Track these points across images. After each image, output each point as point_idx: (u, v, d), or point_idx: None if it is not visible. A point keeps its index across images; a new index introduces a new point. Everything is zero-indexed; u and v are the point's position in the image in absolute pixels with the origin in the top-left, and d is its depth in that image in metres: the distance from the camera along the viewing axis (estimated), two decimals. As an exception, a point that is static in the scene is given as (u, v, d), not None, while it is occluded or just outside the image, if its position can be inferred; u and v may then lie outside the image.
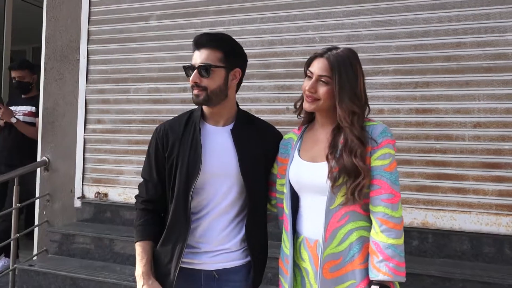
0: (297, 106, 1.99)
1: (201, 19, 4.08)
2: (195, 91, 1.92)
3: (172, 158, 1.96)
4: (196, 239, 1.95)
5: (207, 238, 1.95)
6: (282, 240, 1.96)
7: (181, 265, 1.92)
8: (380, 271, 1.70)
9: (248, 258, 1.99)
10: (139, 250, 1.97)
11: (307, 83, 1.85)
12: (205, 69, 1.89)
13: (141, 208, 2.03)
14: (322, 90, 1.82)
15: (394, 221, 1.74)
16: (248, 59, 3.77)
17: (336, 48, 1.87)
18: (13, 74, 4.77)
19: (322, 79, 1.82)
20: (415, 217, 3.42)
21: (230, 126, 2.00)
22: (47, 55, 4.59)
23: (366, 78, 3.56)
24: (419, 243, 3.38)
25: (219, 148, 1.96)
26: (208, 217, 1.95)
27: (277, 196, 2.04)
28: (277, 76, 3.84)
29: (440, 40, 3.41)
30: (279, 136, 2.11)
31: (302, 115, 2.01)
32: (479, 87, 3.33)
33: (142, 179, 2.08)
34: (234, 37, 4.01)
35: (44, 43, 4.60)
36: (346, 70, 1.80)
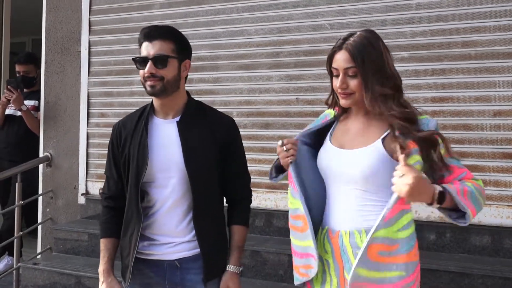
0: (329, 104, 1.91)
1: (205, 6, 3.98)
2: (150, 82, 1.93)
3: (124, 154, 2.03)
4: (155, 231, 2.00)
5: (165, 230, 2.00)
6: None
7: (146, 257, 1.99)
8: (452, 187, 1.60)
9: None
10: (102, 247, 2.06)
11: (335, 81, 1.76)
12: (161, 60, 1.92)
13: (104, 205, 2.12)
14: (353, 83, 1.72)
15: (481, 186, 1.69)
16: (256, 48, 3.80)
17: (352, 34, 1.77)
18: (18, 68, 4.69)
19: (349, 73, 1.72)
20: (432, 210, 3.28)
21: (177, 118, 2.02)
22: (48, 47, 4.52)
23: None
24: (436, 238, 3.29)
25: (165, 142, 1.99)
26: (161, 212, 1.99)
27: None
28: (286, 65, 3.73)
29: (457, 24, 3.29)
30: (233, 126, 2.11)
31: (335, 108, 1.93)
32: (499, 73, 3.21)
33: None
34: (241, 25, 3.91)
35: (44, 34, 4.53)
36: (368, 54, 1.71)
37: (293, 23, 3.70)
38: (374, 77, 1.69)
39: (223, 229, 2.08)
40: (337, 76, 1.75)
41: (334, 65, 1.76)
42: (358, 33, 1.77)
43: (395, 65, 3.39)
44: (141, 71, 1.95)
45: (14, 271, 3.90)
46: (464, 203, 1.58)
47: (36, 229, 4.49)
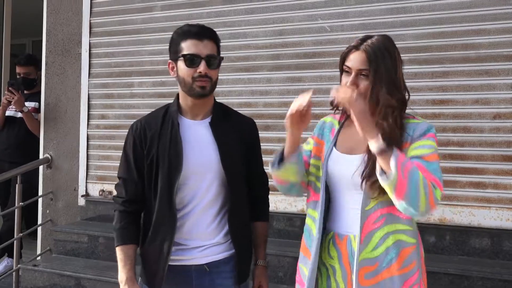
0: (334, 104, 1.85)
1: (207, 9, 3.98)
2: (202, 83, 1.87)
3: (151, 155, 1.93)
4: (183, 235, 1.94)
5: (194, 234, 1.94)
6: (305, 230, 1.88)
7: (172, 263, 1.91)
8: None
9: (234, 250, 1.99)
10: (122, 255, 1.95)
11: (346, 79, 1.73)
12: (214, 60, 1.88)
13: (121, 210, 1.98)
14: (364, 84, 1.69)
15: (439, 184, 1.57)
16: (257, 50, 3.82)
17: (370, 37, 1.74)
18: (19, 69, 4.68)
19: (363, 73, 1.69)
20: (432, 213, 3.30)
21: (208, 119, 1.98)
22: (48, 49, 4.52)
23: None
24: (436, 240, 3.28)
25: (199, 143, 1.95)
26: (193, 213, 1.93)
27: (310, 171, 1.92)
28: (287, 67, 3.74)
29: (457, 27, 3.29)
30: (255, 127, 2.11)
31: (339, 109, 1.88)
32: (499, 76, 3.21)
33: (119, 179, 2.03)
34: (242, 27, 3.91)
35: (44, 36, 4.53)
36: (384, 60, 1.68)
37: (294, 25, 3.70)
38: (383, 84, 1.67)
39: (249, 228, 2.08)
40: (349, 73, 1.72)
41: (348, 63, 1.73)
42: (376, 36, 1.75)
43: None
44: (189, 70, 1.87)
45: (13, 273, 3.89)
46: (397, 167, 1.50)
47: (36, 231, 4.48)
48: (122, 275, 1.93)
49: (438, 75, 3.33)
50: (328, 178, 1.80)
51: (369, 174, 1.64)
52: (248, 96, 3.79)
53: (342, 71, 1.77)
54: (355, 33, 3.47)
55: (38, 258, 4.30)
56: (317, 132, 1.93)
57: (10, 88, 4.34)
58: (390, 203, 1.65)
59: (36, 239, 4.52)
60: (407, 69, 3.34)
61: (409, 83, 3.36)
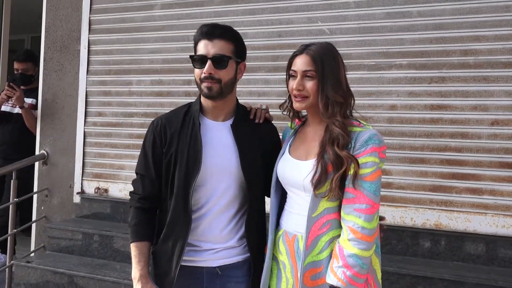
0: (283, 108, 1.99)
1: (206, 8, 3.98)
2: (207, 84, 1.86)
3: (170, 153, 1.92)
4: (197, 237, 1.92)
5: (209, 236, 1.92)
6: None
7: (183, 263, 1.89)
8: (336, 276, 1.68)
9: (249, 254, 1.96)
10: (136, 251, 1.93)
11: (292, 83, 1.83)
12: (221, 60, 1.85)
13: (137, 207, 1.98)
14: (309, 85, 1.79)
15: (365, 232, 1.68)
16: (255, 51, 3.81)
17: (313, 44, 1.85)
18: (17, 65, 4.67)
19: (308, 74, 1.79)
20: (428, 218, 3.31)
21: (230, 122, 1.97)
22: (47, 45, 4.51)
23: (378, 72, 3.48)
24: (431, 245, 3.28)
25: (219, 145, 1.93)
26: (208, 215, 1.92)
27: None
28: (285, 69, 3.69)
29: (457, 33, 3.29)
30: (276, 132, 2.11)
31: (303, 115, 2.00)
32: (497, 83, 3.21)
33: (136, 175, 2.02)
34: (240, 28, 3.90)
35: (43, 32, 4.52)
36: (328, 60, 1.79)
37: (293, 27, 3.70)
38: (330, 83, 1.76)
39: (265, 234, 2.03)
40: (295, 77, 1.81)
41: (293, 67, 1.82)
42: (319, 43, 1.85)
43: (393, 71, 3.41)
44: (197, 71, 1.88)
45: (6, 269, 3.88)
46: (353, 284, 1.67)
47: (30, 227, 4.46)
48: (135, 272, 1.91)
49: (436, 81, 3.32)
50: (281, 180, 1.89)
51: (317, 182, 1.72)
52: (246, 97, 3.77)
53: (289, 76, 1.86)
54: (354, 36, 3.47)
55: (32, 254, 4.27)
56: (282, 136, 2.07)
57: (11, 84, 4.32)
58: (337, 209, 1.75)
59: (30, 236, 4.51)
60: (405, 73, 3.37)
61: (407, 88, 3.42)
